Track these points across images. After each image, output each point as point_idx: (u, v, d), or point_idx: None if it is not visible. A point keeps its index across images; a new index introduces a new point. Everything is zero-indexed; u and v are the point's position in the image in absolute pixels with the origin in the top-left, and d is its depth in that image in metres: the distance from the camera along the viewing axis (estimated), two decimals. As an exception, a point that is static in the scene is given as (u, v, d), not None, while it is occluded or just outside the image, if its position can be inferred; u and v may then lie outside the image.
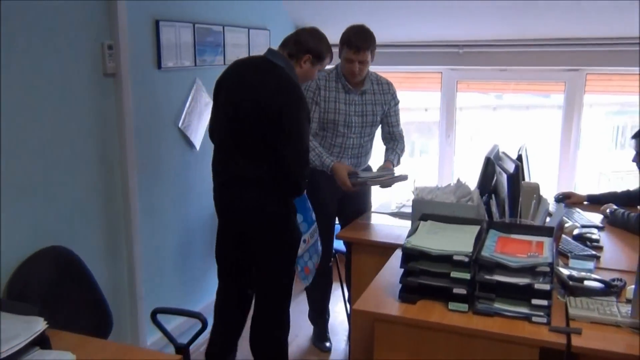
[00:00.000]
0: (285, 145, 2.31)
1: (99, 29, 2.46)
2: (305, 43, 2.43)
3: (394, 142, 3.18)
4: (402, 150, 3.19)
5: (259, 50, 3.76)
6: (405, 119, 3.36)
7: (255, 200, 2.38)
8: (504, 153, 2.87)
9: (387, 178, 2.95)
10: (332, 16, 4.03)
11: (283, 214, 2.43)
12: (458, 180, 2.62)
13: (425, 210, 2.41)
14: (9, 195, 2.11)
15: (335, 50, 2.81)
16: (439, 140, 4.57)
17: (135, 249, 2.74)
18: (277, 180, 2.36)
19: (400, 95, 3.18)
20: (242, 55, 3.48)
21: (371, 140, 3.15)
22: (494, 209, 2.47)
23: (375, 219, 3.07)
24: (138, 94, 2.71)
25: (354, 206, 3.13)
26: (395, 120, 3.15)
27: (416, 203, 2.54)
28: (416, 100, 4.87)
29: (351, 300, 2.98)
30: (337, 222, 3.23)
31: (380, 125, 3.16)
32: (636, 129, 2.79)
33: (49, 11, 2.22)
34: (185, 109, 3.07)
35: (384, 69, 4.48)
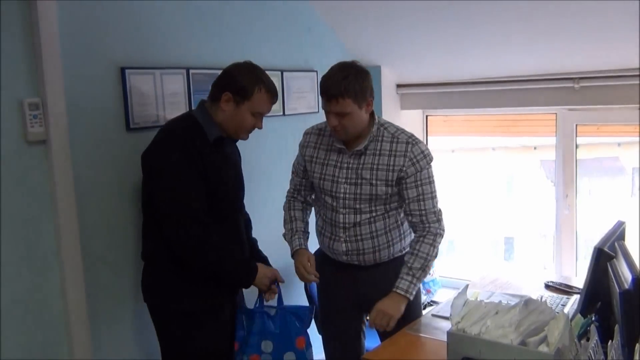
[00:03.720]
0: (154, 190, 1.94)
1: (19, 83, 1.86)
2: (223, 78, 1.99)
3: (417, 238, 2.13)
4: (429, 254, 2.09)
5: (299, 97, 3.05)
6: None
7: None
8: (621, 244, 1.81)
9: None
10: (407, 53, 3.23)
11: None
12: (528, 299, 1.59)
13: (468, 351, 1.45)
14: None
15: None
16: (555, 207, 3.41)
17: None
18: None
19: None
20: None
21: (385, 217, 2.14)
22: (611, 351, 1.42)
23: (432, 329, 2.07)
24: (88, 164, 2.07)
25: None
26: (414, 195, 2.08)
27: (453, 339, 1.56)
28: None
29: None
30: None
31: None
32: None
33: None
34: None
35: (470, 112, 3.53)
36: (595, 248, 1.81)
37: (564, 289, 2.46)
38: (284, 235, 2.31)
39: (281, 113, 2.92)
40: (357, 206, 2.10)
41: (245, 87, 1.94)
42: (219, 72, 2.08)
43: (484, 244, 3.48)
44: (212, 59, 2.50)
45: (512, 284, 2.56)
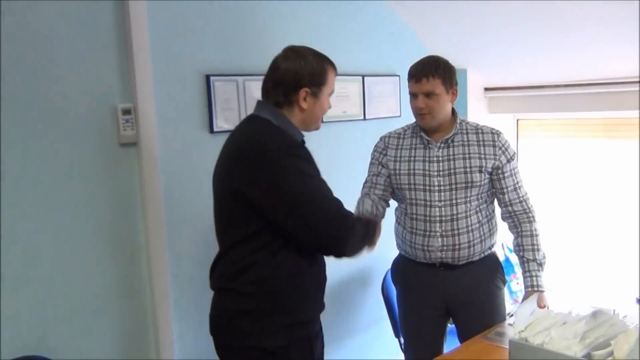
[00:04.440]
0: (287, 220, 1.60)
1: (114, 91, 2.06)
2: (290, 75, 1.69)
3: (517, 227, 2.19)
4: (535, 240, 2.16)
5: (380, 101, 3.07)
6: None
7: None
8: None
9: None
10: (495, 56, 3.17)
11: None
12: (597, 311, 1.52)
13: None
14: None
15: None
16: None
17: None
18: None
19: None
20: (351, 110, 2.86)
21: (477, 211, 2.16)
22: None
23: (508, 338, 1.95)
24: (175, 165, 2.23)
25: (474, 313, 2.17)
26: (512, 184, 2.16)
27: (515, 348, 1.52)
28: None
29: None
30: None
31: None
32: None
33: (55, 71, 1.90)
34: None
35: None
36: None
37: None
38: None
39: (362, 117, 2.96)
40: (454, 198, 2.11)
41: (319, 74, 1.71)
42: None
43: (583, 252, 3.30)
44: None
45: (602, 296, 2.43)
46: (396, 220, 2.30)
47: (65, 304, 1.99)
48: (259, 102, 1.76)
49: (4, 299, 1.84)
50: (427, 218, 2.12)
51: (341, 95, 2.83)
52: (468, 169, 2.10)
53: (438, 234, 2.11)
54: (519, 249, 2.18)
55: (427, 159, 2.14)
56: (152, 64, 2.12)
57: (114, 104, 2.05)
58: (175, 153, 2.24)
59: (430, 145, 2.15)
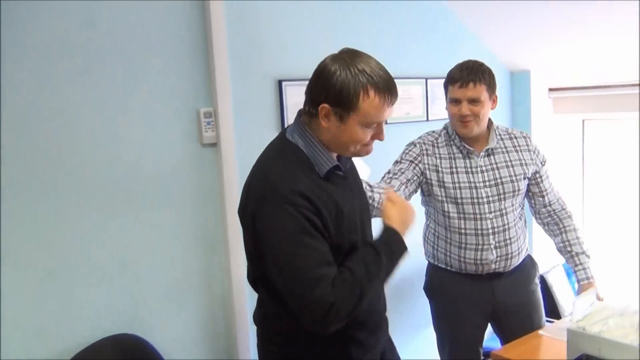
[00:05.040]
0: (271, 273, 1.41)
1: (198, 95, 2.26)
2: (319, 83, 1.40)
3: (559, 224, 2.24)
4: (578, 234, 2.23)
5: (444, 103, 3.15)
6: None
7: None
8: None
9: None
10: (559, 55, 3.22)
11: None
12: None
13: (587, 349, 1.49)
14: (87, 274, 2.03)
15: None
16: None
17: (245, 354, 2.41)
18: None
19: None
20: (414, 112, 2.96)
21: (520, 217, 2.19)
22: None
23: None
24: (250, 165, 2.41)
25: (522, 315, 2.21)
26: (549, 186, 2.24)
27: (573, 336, 1.59)
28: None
29: None
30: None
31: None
32: None
33: (143, 77, 2.12)
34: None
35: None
36: None
37: None
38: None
39: (425, 119, 3.06)
40: (503, 207, 2.08)
41: (346, 95, 1.36)
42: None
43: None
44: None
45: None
46: (431, 232, 2.23)
47: (152, 290, 2.20)
48: (298, 113, 1.52)
49: (103, 284, 2.07)
50: (479, 231, 2.06)
51: (405, 98, 2.94)
52: (514, 177, 2.09)
53: (492, 246, 2.08)
54: (565, 245, 2.20)
55: (469, 170, 2.08)
56: (230, 70, 2.31)
57: (197, 107, 2.26)
58: (251, 153, 2.40)
59: (471, 155, 2.10)
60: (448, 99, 2.11)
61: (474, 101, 2.02)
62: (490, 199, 2.07)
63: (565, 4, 2.74)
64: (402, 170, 2.09)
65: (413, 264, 2.94)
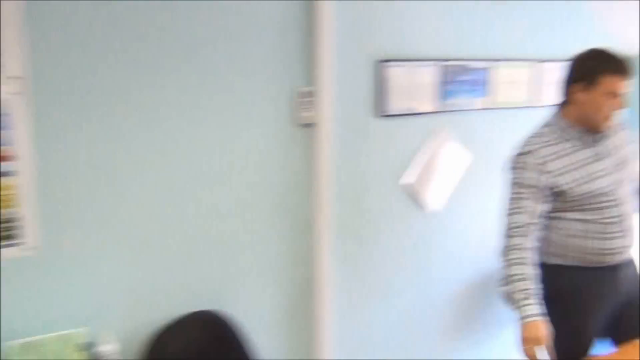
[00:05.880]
0: None
1: (294, 74, 2.18)
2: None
3: None
4: None
5: (550, 87, 2.92)
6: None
7: None
8: None
9: None
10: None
11: None
12: None
13: None
14: (178, 249, 2.04)
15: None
16: None
17: (326, 336, 2.37)
18: None
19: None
20: (521, 96, 2.78)
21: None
22: None
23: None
24: (346, 146, 2.33)
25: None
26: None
27: None
28: None
29: None
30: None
31: None
32: None
33: (238, 53, 2.05)
34: (417, 162, 2.53)
35: None
36: None
37: None
38: (510, 292, 1.94)
39: (530, 105, 2.85)
40: (624, 193, 2.02)
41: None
42: (469, 63, 2.39)
43: None
44: (462, 51, 2.57)
45: None
46: (558, 233, 2.06)
47: (239, 266, 2.18)
48: None
49: (192, 253, 2.07)
50: (605, 220, 1.98)
51: (510, 82, 2.74)
52: (627, 158, 2.06)
53: (618, 234, 2.00)
54: None
55: (591, 160, 2.00)
56: (333, 52, 2.21)
57: (295, 86, 2.18)
58: (349, 134, 2.33)
59: (593, 143, 2.02)
60: (600, 93, 1.94)
61: (624, 95, 1.95)
62: (620, 184, 2.02)
63: None
64: (537, 206, 1.98)
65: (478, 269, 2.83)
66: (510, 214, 1.99)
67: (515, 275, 1.91)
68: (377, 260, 2.50)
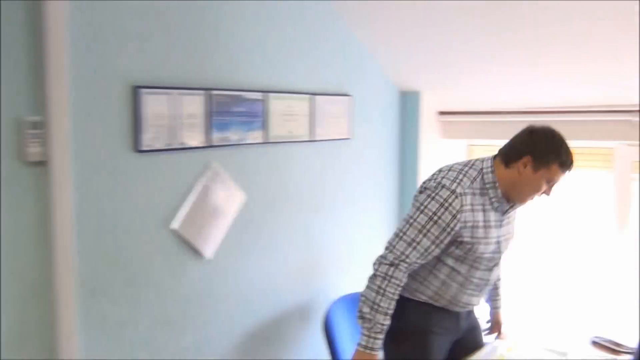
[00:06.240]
0: None
1: (18, 100, 1.74)
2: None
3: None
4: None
5: (330, 122, 2.85)
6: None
7: None
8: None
9: None
10: (450, 79, 3.06)
11: None
12: None
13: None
14: None
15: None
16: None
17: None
18: None
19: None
20: (297, 131, 2.63)
21: None
22: None
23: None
24: (92, 187, 1.93)
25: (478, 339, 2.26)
26: None
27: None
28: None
29: None
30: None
31: None
32: None
33: None
34: (187, 203, 2.23)
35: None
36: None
37: (612, 347, 2.18)
38: (366, 318, 1.90)
39: (309, 139, 2.73)
40: (500, 262, 2.11)
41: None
42: (243, 93, 2.09)
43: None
44: (234, 79, 2.35)
45: (554, 336, 2.32)
46: (436, 276, 2.02)
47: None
48: None
49: None
50: (483, 280, 2.04)
51: (287, 114, 2.60)
52: (514, 232, 2.14)
53: (482, 294, 2.12)
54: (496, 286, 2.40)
55: (496, 224, 1.98)
56: (70, 71, 1.82)
57: (20, 115, 1.74)
58: (95, 174, 1.94)
59: (503, 210, 2.00)
60: (545, 176, 1.91)
61: None
62: (503, 253, 2.07)
63: (455, 28, 2.57)
64: (434, 249, 1.91)
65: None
66: (405, 241, 1.87)
67: (382, 307, 1.86)
68: (139, 319, 2.11)
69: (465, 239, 1.90)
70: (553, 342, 2.23)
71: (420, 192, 1.96)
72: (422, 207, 1.89)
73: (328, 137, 2.84)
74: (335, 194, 2.90)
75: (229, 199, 2.37)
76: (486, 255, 1.97)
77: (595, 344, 2.25)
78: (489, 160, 1.97)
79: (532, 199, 1.97)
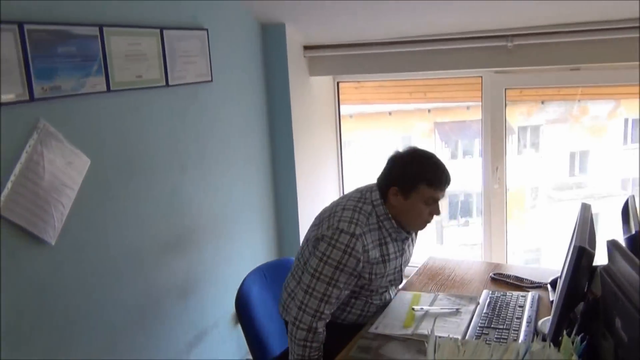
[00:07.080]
0: None
1: None
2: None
3: None
4: None
5: (186, 62, 2.39)
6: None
7: None
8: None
9: None
10: (315, 9, 2.71)
11: None
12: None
13: None
14: None
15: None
16: (482, 178, 3.08)
17: None
18: None
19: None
20: (148, 75, 2.17)
21: None
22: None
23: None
24: None
25: None
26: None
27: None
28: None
29: None
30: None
31: None
32: None
33: None
34: (11, 178, 1.69)
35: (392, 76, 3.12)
36: (576, 247, 1.41)
37: (515, 283, 2.11)
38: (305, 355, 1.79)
39: (164, 84, 2.26)
40: (395, 286, 2.06)
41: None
42: (70, 28, 1.61)
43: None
44: (56, 10, 1.81)
45: (455, 279, 2.19)
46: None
47: None
48: None
49: None
50: (381, 303, 1.98)
51: (134, 55, 2.10)
52: (409, 257, 2.05)
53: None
54: None
55: (395, 254, 1.91)
56: None
57: None
58: None
59: (400, 240, 1.93)
60: (419, 198, 1.84)
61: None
62: (394, 282, 2.02)
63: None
64: (343, 294, 1.83)
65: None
66: (316, 297, 1.76)
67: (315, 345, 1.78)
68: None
69: (366, 276, 1.85)
70: (455, 285, 2.12)
71: (318, 239, 1.82)
72: (325, 258, 1.77)
73: (185, 80, 2.38)
74: (201, 148, 2.49)
75: (69, 166, 1.86)
76: (383, 287, 1.95)
77: (495, 280, 2.16)
78: (377, 192, 1.89)
79: (423, 222, 1.91)
